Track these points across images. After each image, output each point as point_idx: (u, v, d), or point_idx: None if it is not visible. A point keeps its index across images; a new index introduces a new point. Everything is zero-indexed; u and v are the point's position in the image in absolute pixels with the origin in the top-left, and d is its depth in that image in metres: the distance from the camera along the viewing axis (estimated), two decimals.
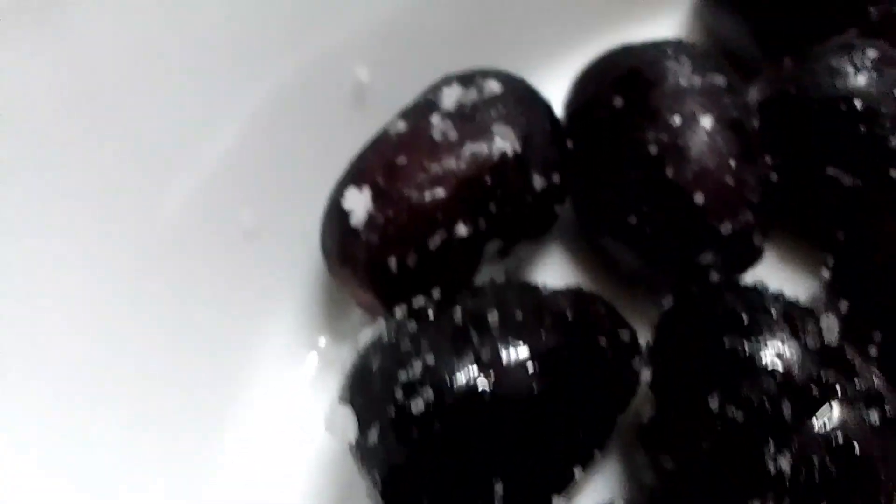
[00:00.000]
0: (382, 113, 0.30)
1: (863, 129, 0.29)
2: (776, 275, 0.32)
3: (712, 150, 0.28)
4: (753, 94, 0.33)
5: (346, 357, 0.26)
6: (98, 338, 0.26)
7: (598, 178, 0.30)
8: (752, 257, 0.29)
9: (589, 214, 0.32)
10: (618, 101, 0.30)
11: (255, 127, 0.30)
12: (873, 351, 0.26)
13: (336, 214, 0.27)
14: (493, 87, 0.29)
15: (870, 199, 0.30)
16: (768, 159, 0.29)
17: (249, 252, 0.29)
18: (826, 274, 0.30)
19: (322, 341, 0.30)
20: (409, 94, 0.31)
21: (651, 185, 0.28)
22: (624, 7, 0.39)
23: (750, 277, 0.30)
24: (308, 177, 0.30)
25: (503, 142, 0.27)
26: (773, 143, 0.31)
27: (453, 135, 0.27)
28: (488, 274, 0.29)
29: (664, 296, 0.29)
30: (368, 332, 0.26)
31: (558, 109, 0.32)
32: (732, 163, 0.28)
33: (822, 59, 0.31)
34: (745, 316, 0.24)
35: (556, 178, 0.29)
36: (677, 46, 0.31)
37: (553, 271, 0.32)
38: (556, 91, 0.33)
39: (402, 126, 0.28)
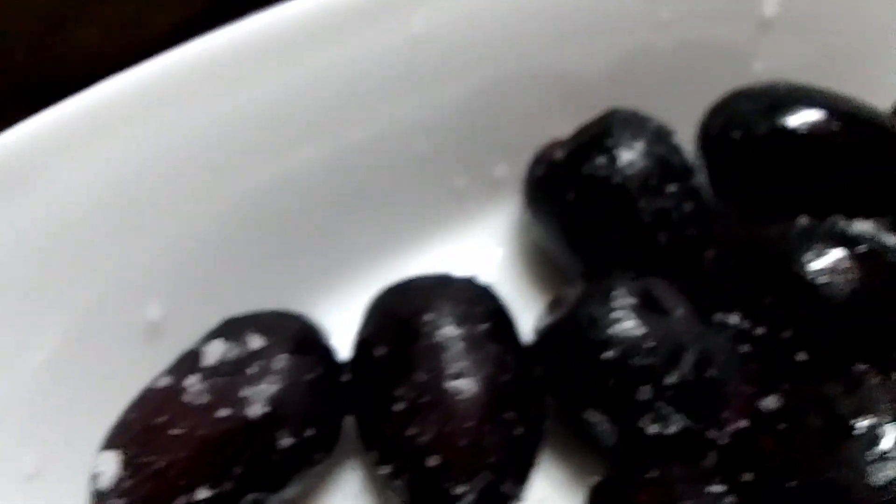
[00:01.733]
0: (175, 350, 0.32)
1: (612, 381, 0.30)
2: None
3: (453, 412, 0.29)
4: (543, 319, 0.34)
5: None
6: None
7: (366, 422, 0.32)
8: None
9: (365, 449, 0.33)
10: (380, 351, 0.31)
11: (39, 370, 0.32)
12: None
13: (92, 475, 0.29)
14: (256, 341, 0.30)
15: (622, 447, 0.31)
16: (511, 415, 0.30)
17: (32, 492, 0.31)
18: None
19: None
20: (202, 331, 0.33)
21: (397, 443, 0.29)
22: (451, 210, 0.41)
23: None
24: (96, 418, 0.32)
25: (253, 404, 0.29)
26: (549, 375, 0.32)
27: (205, 397, 0.29)
28: None
29: None
30: None
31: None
32: (471, 424, 0.29)
33: (588, 301, 0.32)
34: None
35: (310, 432, 0.30)
36: (450, 288, 0.32)
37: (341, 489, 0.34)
38: None
39: (163, 383, 0.30)
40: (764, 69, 0.43)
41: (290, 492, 0.31)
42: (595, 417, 0.31)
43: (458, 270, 0.35)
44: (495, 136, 0.41)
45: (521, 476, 0.30)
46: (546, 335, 0.33)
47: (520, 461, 0.30)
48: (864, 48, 0.43)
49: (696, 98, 0.40)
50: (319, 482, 0.33)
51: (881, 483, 0.27)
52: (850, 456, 0.28)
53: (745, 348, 0.33)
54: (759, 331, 0.33)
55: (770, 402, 0.31)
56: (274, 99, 0.35)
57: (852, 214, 0.36)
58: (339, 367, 0.33)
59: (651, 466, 0.29)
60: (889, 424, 0.28)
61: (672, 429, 0.30)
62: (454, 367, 0.29)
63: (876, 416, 0.29)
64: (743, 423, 0.31)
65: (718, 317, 0.34)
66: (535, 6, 0.39)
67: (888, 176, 0.37)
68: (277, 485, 0.30)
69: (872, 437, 0.28)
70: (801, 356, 0.32)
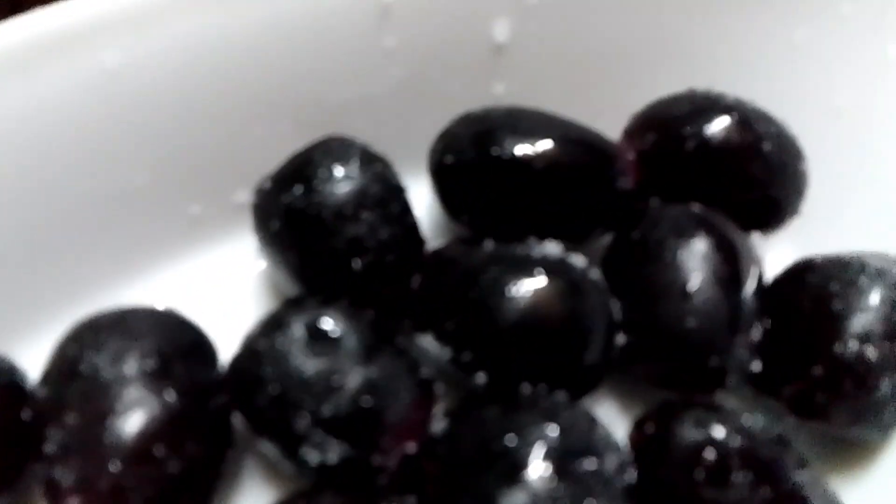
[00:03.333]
0: None
1: (275, 414, 0.31)
2: None
3: (96, 454, 0.29)
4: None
5: None
6: None
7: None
8: None
9: None
10: (44, 391, 0.31)
11: None
12: None
13: None
14: None
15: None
16: (165, 452, 0.29)
17: None
18: None
19: None
20: None
21: (47, 486, 0.29)
22: (188, 237, 0.41)
23: None
24: None
25: None
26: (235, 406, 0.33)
27: None
28: None
29: None
30: None
31: None
32: (115, 465, 0.29)
33: (258, 333, 0.32)
34: None
35: None
36: (122, 324, 0.32)
37: None
38: None
39: None
40: (505, 91, 0.44)
41: None
42: (268, 449, 0.31)
43: (187, 298, 0.36)
44: (230, 162, 0.41)
45: None
46: (231, 367, 0.33)
47: (180, 500, 0.30)
48: (599, 71, 0.44)
49: (438, 121, 0.41)
50: None
51: None
52: (487, 481, 0.29)
53: (428, 372, 0.33)
54: (445, 353, 0.33)
55: (438, 426, 0.32)
56: None
57: (567, 237, 0.37)
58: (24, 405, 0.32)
59: (310, 496, 0.30)
60: (534, 447, 0.29)
61: (333, 457, 0.30)
62: (105, 407, 0.29)
63: (521, 438, 0.29)
64: (411, 448, 0.31)
65: (417, 339, 0.34)
66: (266, 36, 0.39)
67: (601, 199, 0.38)
68: None
69: (513, 461, 0.29)
70: (480, 378, 0.33)
